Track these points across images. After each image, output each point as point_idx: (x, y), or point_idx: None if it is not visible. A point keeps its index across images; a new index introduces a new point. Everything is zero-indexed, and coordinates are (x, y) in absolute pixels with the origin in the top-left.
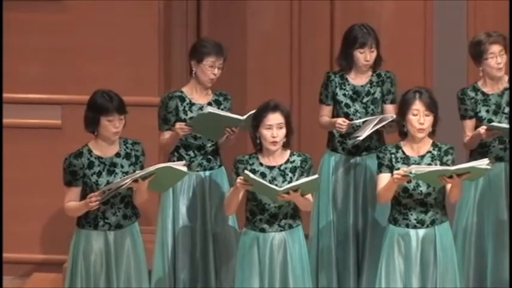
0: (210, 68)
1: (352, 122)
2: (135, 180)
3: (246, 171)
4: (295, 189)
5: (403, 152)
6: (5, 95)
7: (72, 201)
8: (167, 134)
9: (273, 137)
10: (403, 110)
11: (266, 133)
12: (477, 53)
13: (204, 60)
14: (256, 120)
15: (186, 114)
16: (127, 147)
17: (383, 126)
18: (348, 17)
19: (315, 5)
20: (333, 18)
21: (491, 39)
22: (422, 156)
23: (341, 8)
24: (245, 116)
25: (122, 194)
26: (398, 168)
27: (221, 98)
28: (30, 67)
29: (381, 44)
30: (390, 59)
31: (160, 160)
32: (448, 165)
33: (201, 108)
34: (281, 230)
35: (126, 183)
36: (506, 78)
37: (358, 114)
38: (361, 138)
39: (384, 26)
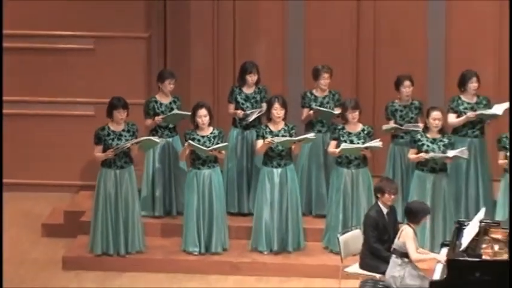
0: (168, 85)
1: (245, 112)
2: (133, 144)
3: (190, 141)
4: (216, 149)
5: (270, 128)
6: (62, 99)
7: (98, 153)
8: (149, 121)
9: (202, 122)
10: (269, 106)
11: (198, 119)
12: (315, 75)
13: (164, 81)
14: (193, 113)
15: (159, 109)
16: (129, 126)
17: (262, 114)
18: (244, 53)
19: (224, 44)
20: (235, 53)
21: (323, 70)
22: (279, 131)
23: (240, 44)
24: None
25: (124, 150)
26: (267, 137)
27: (175, 99)
28: (78, 83)
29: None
30: (267, 74)
31: (146, 133)
32: (292, 135)
33: (166, 105)
34: (208, 168)
35: (127, 145)
36: (327, 90)
37: (249, 108)
38: (250, 120)
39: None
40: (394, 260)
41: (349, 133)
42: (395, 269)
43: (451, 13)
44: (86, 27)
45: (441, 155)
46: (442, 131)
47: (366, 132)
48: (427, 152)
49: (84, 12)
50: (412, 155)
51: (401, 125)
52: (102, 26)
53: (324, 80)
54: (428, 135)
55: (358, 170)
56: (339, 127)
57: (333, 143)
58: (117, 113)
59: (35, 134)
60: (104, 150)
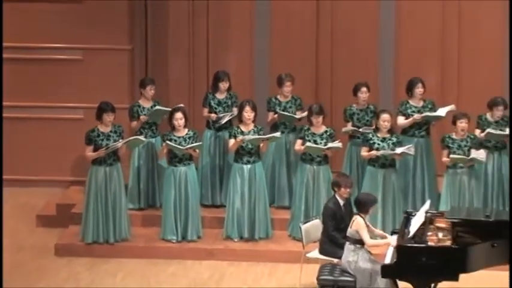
0: (149, 91)
1: (217, 115)
2: (123, 144)
3: (167, 141)
4: (191, 148)
5: (241, 129)
6: (54, 104)
7: (90, 153)
8: (134, 123)
9: (178, 124)
10: (240, 109)
11: (175, 122)
12: (279, 83)
13: (146, 87)
14: (170, 116)
15: (141, 112)
16: (115, 127)
17: (233, 117)
18: (216, 63)
19: (199, 55)
20: (208, 63)
21: (287, 78)
22: (249, 131)
23: (213, 54)
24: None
25: (113, 149)
26: (238, 137)
27: (156, 103)
28: (68, 90)
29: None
30: (237, 80)
31: (131, 134)
32: (261, 135)
33: (148, 109)
34: (184, 166)
35: (119, 145)
36: (290, 96)
37: (221, 112)
38: (222, 122)
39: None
40: (348, 246)
41: (314, 134)
42: (349, 254)
43: (400, 22)
44: (75, 40)
45: (390, 152)
46: (390, 131)
47: (328, 133)
48: (377, 149)
49: (74, 27)
50: (364, 152)
51: (358, 127)
52: (90, 39)
53: (287, 87)
54: (378, 135)
55: (320, 167)
56: (305, 128)
57: (299, 141)
58: (106, 116)
59: (30, 135)
60: (95, 150)
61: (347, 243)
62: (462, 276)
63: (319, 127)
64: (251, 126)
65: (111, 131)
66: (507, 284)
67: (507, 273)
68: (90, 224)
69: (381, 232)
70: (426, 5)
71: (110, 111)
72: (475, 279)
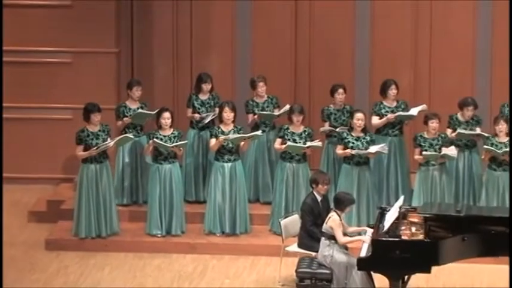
0: (135, 92)
1: (201, 116)
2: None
3: (155, 139)
4: (177, 146)
5: (221, 129)
6: (47, 104)
7: (81, 152)
8: (120, 123)
9: (165, 123)
10: (220, 110)
11: (162, 121)
12: (252, 85)
13: (132, 88)
14: (158, 115)
15: (128, 113)
16: (103, 127)
17: (215, 117)
18: (199, 66)
19: (183, 58)
20: (192, 66)
21: (259, 79)
22: (229, 131)
23: (196, 57)
24: (154, 112)
25: (105, 149)
26: (219, 136)
27: (143, 105)
28: (58, 91)
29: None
30: (221, 82)
31: (117, 133)
32: (241, 134)
33: (134, 110)
34: (169, 163)
35: (110, 145)
36: (266, 96)
37: (204, 112)
38: (205, 122)
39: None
40: (323, 241)
41: (293, 133)
42: (324, 249)
43: (374, 23)
44: (65, 44)
45: (365, 151)
46: (364, 130)
47: (306, 133)
48: (352, 148)
49: (64, 31)
50: (339, 150)
51: (335, 127)
52: (79, 42)
53: (260, 88)
54: (353, 134)
55: (299, 164)
56: (285, 127)
57: (279, 140)
58: (94, 116)
59: (22, 135)
60: (85, 150)
61: (322, 238)
62: (438, 268)
63: (299, 126)
64: (231, 126)
65: (99, 131)
66: (480, 282)
67: (479, 266)
68: (83, 219)
69: (355, 228)
70: (399, 6)
71: (97, 111)
72: (447, 272)
